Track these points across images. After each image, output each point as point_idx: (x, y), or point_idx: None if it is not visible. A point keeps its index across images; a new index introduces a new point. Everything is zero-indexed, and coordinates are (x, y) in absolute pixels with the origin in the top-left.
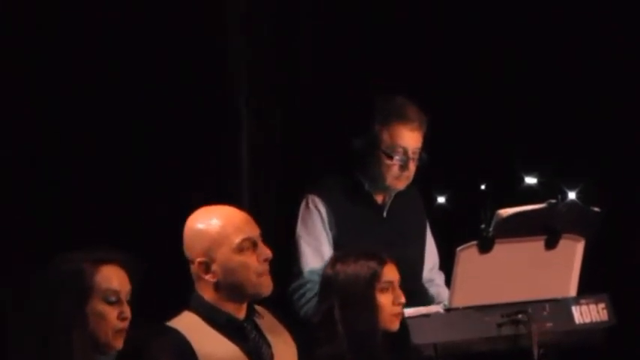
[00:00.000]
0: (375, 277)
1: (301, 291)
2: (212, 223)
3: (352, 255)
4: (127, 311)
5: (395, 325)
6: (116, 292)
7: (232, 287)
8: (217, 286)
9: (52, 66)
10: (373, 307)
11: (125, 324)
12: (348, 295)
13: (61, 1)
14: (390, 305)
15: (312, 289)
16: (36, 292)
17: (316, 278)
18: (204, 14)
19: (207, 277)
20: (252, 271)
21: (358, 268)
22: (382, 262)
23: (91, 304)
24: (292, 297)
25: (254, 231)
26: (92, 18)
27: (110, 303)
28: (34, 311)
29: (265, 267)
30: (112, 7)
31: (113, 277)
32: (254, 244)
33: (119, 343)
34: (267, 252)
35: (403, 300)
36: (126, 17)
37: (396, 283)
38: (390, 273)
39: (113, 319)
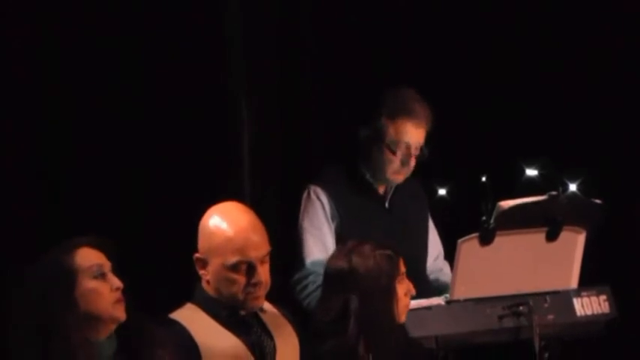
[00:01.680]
0: (395, 268)
1: (304, 282)
2: (220, 229)
3: (367, 247)
4: (116, 281)
5: (404, 317)
6: (99, 266)
7: (220, 293)
8: (210, 284)
9: (46, 65)
10: (393, 299)
11: (119, 293)
12: (371, 288)
13: (62, 2)
14: (403, 296)
15: (315, 280)
16: (25, 295)
17: (319, 269)
18: (204, 13)
19: (202, 272)
20: (239, 289)
21: (379, 260)
22: (397, 253)
23: (81, 286)
24: (295, 288)
25: (258, 252)
26: (89, 17)
27: (97, 277)
28: (27, 313)
29: (253, 289)
30: (110, 6)
31: (91, 255)
32: (250, 267)
33: (121, 313)
34: (258, 277)
35: (414, 292)
36: (125, 17)
37: (405, 275)
38: (402, 264)
39: (107, 292)
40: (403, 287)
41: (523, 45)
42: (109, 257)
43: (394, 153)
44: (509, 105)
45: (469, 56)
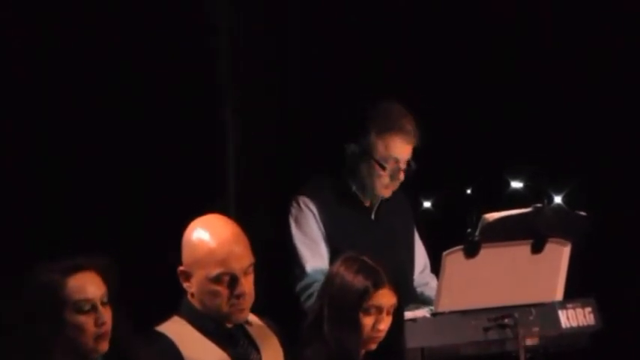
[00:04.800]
0: (363, 297)
1: (309, 291)
2: (203, 242)
3: (356, 264)
4: (103, 316)
5: (371, 347)
6: (88, 301)
7: (205, 306)
8: (195, 296)
9: (31, 70)
10: (354, 324)
11: (104, 328)
12: (336, 303)
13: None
14: (370, 329)
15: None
16: (13, 308)
17: (321, 277)
18: (195, 21)
19: (186, 285)
20: (223, 302)
21: (353, 280)
22: (378, 285)
23: (66, 319)
24: (301, 297)
25: (241, 263)
26: (75, 27)
27: (84, 312)
28: (12, 327)
29: (237, 301)
30: (97, 14)
31: (84, 286)
32: (232, 278)
33: (103, 347)
34: (241, 289)
35: (382, 328)
36: (111, 24)
37: (387, 309)
38: (382, 298)
39: (90, 327)
40: (370, 318)
41: (511, 52)
42: (108, 281)
43: (384, 169)
44: (495, 117)
45: (457, 63)
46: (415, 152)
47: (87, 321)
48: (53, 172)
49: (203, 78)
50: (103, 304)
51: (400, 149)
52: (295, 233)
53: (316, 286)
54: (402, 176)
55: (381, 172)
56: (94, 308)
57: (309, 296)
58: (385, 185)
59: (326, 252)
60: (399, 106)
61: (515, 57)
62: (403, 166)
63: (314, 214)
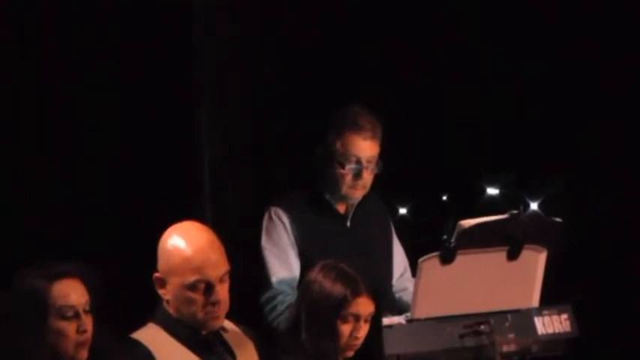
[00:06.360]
0: (341, 304)
1: (273, 303)
2: (179, 249)
3: (335, 272)
4: (85, 324)
5: (349, 354)
6: (72, 307)
7: (180, 312)
8: (170, 303)
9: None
10: (332, 332)
11: (85, 336)
12: (313, 310)
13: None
14: (348, 336)
15: (284, 301)
16: None
17: (286, 289)
18: (171, 24)
19: (161, 292)
20: (198, 309)
21: (332, 288)
22: (356, 293)
23: (49, 324)
24: (264, 309)
25: (216, 270)
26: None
27: (67, 318)
28: None
29: (212, 308)
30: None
31: (68, 292)
32: (208, 286)
33: (82, 355)
34: (217, 297)
35: (360, 336)
36: (85, 22)
37: (365, 318)
38: (361, 307)
39: (72, 334)
40: (348, 326)
41: (486, 60)
42: (91, 288)
43: (344, 167)
44: (471, 124)
45: (432, 70)
46: (385, 153)
47: (69, 327)
48: (20, 182)
49: (179, 84)
50: (85, 312)
51: (359, 147)
52: (265, 243)
53: (280, 299)
54: (367, 175)
55: (342, 171)
56: (76, 315)
57: (272, 309)
58: (350, 185)
59: (296, 262)
60: (358, 107)
61: (492, 63)
62: (367, 164)
63: (284, 225)
